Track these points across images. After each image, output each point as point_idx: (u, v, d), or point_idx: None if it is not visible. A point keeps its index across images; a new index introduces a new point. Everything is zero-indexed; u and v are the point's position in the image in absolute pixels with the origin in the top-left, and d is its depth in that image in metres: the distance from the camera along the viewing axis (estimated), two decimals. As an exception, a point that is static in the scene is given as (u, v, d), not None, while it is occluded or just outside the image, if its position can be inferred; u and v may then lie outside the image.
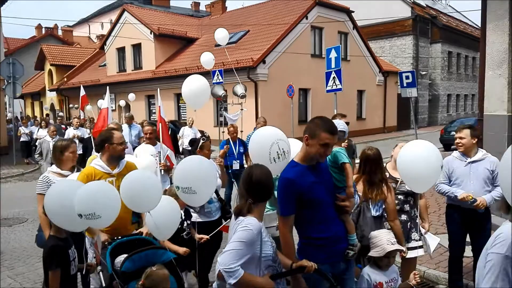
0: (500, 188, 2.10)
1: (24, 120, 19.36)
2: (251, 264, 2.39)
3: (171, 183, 4.82)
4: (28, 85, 36.09)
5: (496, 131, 5.87)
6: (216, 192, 4.32)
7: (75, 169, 4.00)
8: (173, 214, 3.10)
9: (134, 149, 6.34)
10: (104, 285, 3.08)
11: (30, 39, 41.42)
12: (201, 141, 4.59)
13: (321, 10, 20.79)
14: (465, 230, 4.21)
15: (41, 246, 3.62)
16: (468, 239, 4.27)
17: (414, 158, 3.01)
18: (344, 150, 3.08)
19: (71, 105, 27.12)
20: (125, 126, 9.58)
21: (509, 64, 5.78)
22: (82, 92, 9.11)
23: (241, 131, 8.25)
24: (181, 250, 3.64)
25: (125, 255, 2.99)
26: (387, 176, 3.91)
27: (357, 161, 4.24)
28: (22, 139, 16.06)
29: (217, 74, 11.91)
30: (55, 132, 9.82)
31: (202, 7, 42.72)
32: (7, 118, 22.25)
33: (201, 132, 10.63)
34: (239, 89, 10.70)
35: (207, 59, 10.14)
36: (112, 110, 15.77)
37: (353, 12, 22.60)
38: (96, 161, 3.64)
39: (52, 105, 32.22)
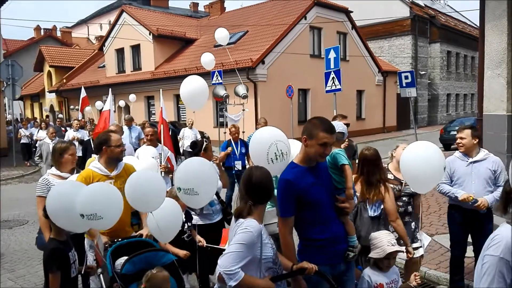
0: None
1: (24, 122, 19.39)
2: (251, 266, 2.39)
3: (172, 185, 4.82)
4: (28, 87, 36.07)
5: (496, 131, 5.87)
6: (217, 193, 4.32)
7: (75, 171, 4.00)
8: (175, 216, 3.11)
9: (135, 150, 6.34)
10: (104, 287, 3.08)
11: (29, 41, 41.44)
12: (205, 143, 4.57)
13: (320, 11, 20.80)
14: (467, 230, 4.21)
15: (42, 248, 3.62)
16: (469, 239, 4.27)
17: (418, 159, 3.01)
18: (343, 151, 3.08)
19: (71, 107, 27.11)
20: (125, 128, 9.58)
21: (508, 64, 5.78)
22: (83, 93, 9.10)
23: (243, 132, 8.24)
24: (182, 253, 3.62)
25: (126, 257, 2.99)
26: (392, 177, 3.92)
27: (359, 161, 4.23)
28: (22, 141, 16.07)
29: (217, 75, 11.90)
30: (54, 134, 9.81)
31: (200, 8, 42.74)
32: (7, 119, 22.26)
33: (201, 133, 10.62)
34: (241, 90, 10.68)
35: (208, 60, 10.12)
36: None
37: (351, 12, 22.62)
38: (94, 164, 3.65)
39: (51, 107, 32.22)
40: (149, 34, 22.94)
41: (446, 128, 17.08)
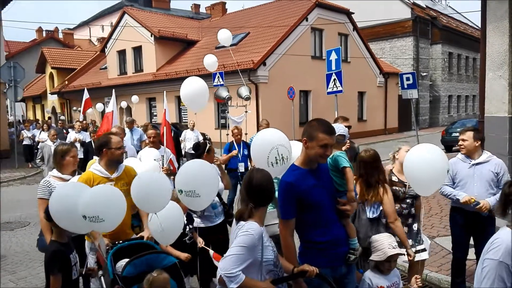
0: None
1: (26, 124, 19.41)
2: (252, 269, 2.39)
3: (174, 188, 4.81)
4: (29, 88, 36.20)
5: (497, 132, 5.85)
6: (219, 195, 4.31)
7: (76, 173, 4.00)
8: (177, 219, 3.10)
9: (137, 152, 6.34)
10: (105, 289, 3.08)
11: (31, 42, 41.62)
12: (208, 145, 4.56)
13: (321, 12, 20.82)
14: (469, 232, 4.20)
15: (43, 250, 3.62)
16: (472, 241, 4.25)
17: (421, 162, 2.99)
18: (344, 154, 3.08)
19: (74, 108, 27.16)
20: (126, 131, 9.57)
21: (510, 66, 5.76)
22: (86, 95, 9.09)
23: (246, 134, 8.23)
24: (183, 256, 3.61)
25: (127, 260, 2.99)
26: (396, 180, 3.91)
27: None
28: (24, 142, 16.10)
29: (218, 77, 11.91)
30: (55, 136, 9.82)
31: (202, 9, 42.79)
32: (9, 121, 22.31)
33: (202, 134, 10.63)
34: (244, 91, 10.68)
35: (211, 62, 10.11)
36: (114, 113, 15.74)
37: (353, 13, 22.62)
38: (94, 166, 3.65)
39: (53, 108, 32.30)
40: (151, 36, 22.98)
41: (448, 129, 17.07)
